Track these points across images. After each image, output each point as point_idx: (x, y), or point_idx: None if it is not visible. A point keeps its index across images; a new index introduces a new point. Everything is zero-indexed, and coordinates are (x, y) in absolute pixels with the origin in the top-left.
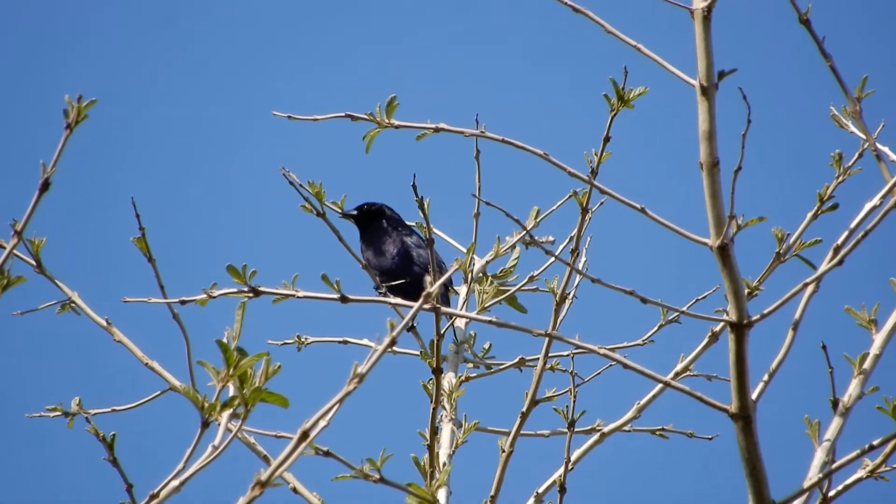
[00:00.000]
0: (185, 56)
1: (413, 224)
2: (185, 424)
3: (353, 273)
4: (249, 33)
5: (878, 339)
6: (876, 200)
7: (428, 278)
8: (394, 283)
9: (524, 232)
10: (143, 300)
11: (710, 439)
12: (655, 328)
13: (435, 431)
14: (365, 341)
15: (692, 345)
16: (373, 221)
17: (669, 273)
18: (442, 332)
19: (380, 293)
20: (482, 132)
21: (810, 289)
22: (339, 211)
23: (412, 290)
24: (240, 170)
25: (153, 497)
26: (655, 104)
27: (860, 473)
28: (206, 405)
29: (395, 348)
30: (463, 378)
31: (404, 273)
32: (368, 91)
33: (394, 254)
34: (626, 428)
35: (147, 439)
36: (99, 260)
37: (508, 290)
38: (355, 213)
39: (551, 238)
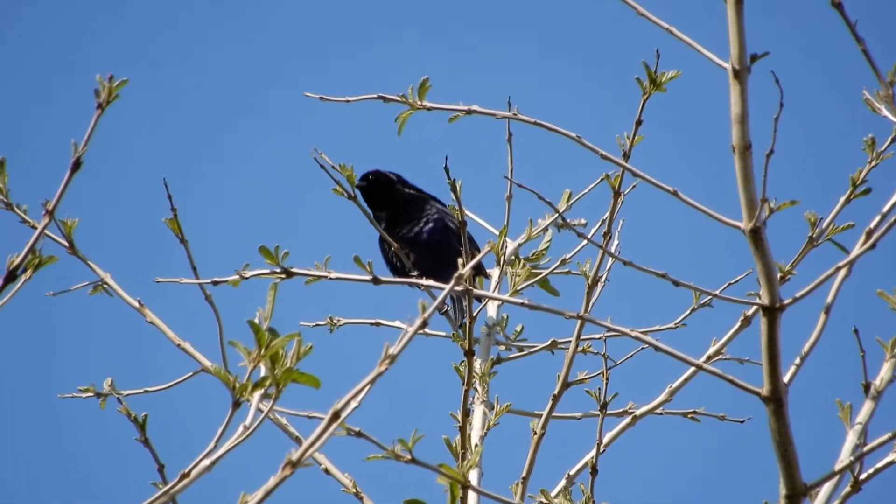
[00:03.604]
0: (218, 36)
1: (447, 206)
2: (216, 406)
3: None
4: (282, 13)
5: None
6: None
7: (460, 260)
8: (426, 260)
9: (556, 215)
10: (175, 281)
11: (742, 423)
12: (688, 312)
13: (467, 413)
14: (397, 323)
15: (724, 329)
16: (388, 190)
17: (702, 257)
18: (474, 314)
19: (412, 275)
20: (514, 115)
21: (842, 273)
22: (350, 188)
23: (446, 267)
24: (271, 151)
25: (184, 477)
26: (688, 88)
27: (892, 457)
28: (238, 385)
29: (427, 330)
30: (495, 360)
31: (440, 244)
32: (400, 74)
33: (432, 227)
34: (658, 411)
35: (179, 420)
36: (131, 241)
37: (541, 273)
38: (364, 184)
39: (583, 221)
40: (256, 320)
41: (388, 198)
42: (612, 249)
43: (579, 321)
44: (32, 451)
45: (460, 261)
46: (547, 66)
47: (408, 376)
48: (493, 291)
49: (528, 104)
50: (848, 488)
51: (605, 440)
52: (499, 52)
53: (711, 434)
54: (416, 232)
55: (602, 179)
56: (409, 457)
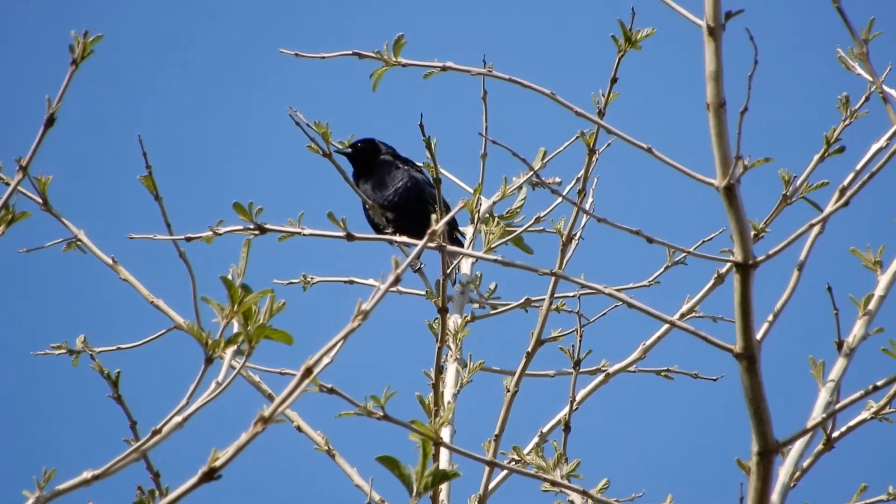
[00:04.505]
0: None
1: (420, 164)
2: (189, 363)
3: (358, 213)
4: None
5: (883, 280)
6: (882, 142)
7: (434, 216)
8: (401, 220)
9: (531, 173)
10: (148, 237)
11: (715, 380)
12: (661, 269)
13: (440, 371)
14: (371, 281)
15: (698, 287)
16: (373, 157)
17: (676, 215)
18: (448, 271)
19: (387, 232)
20: (489, 71)
21: (816, 230)
22: (336, 147)
23: (421, 227)
24: (246, 108)
25: (156, 433)
26: (663, 46)
27: (864, 415)
28: (210, 342)
29: (400, 288)
30: (468, 318)
31: (414, 207)
32: (375, 31)
33: (403, 187)
34: (632, 368)
35: (152, 377)
36: (105, 198)
37: (515, 231)
38: (350, 150)
39: (558, 179)
40: (230, 276)
41: (370, 166)
42: (587, 207)
43: (553, 278)
44: (4, 407)
45: (434, 217)
46: (521, 24)
47: (381, 334)
48: (468, 249)
49: (503, 62)
50: (820, 446)
51: (578, 398)
52: (474, 9)
53: (684, 392)
54: (389, 199)
55: (577, 137)
56: (381, 413)
